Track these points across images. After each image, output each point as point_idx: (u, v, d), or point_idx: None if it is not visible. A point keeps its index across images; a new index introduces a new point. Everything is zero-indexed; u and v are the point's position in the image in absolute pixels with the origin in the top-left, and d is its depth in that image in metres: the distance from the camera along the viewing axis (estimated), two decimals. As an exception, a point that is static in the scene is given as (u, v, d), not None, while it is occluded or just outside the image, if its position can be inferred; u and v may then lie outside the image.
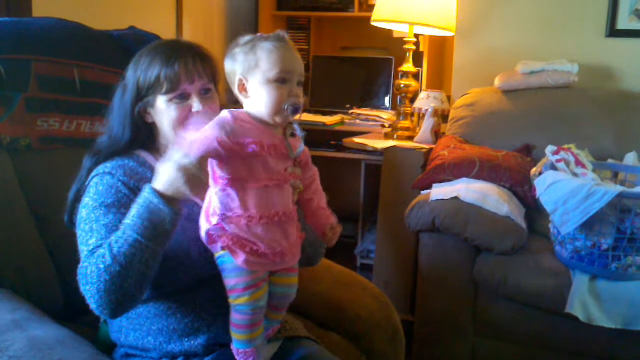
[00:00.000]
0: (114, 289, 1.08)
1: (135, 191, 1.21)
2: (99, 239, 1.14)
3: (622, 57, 2.88)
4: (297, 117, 1.13)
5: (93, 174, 1.24)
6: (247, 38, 1.14)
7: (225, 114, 1.11)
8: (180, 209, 1.09)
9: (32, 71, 1.55)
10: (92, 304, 1.10)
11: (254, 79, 1.11)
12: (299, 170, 1.19)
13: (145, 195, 1.08)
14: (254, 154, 1.09)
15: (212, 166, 1.10)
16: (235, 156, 1.09)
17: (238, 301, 1.12)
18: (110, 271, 1.07)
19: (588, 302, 1.87)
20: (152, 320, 1.22)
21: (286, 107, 1.10)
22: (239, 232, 1.10)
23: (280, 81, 1.10)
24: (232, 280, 1.12)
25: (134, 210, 1.09)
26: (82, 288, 1.11)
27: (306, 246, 1.28)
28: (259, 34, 1.14)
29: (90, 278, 1.08)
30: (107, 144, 1.28)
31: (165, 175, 1.06)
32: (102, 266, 1.07)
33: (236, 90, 1.15)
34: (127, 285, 1.08)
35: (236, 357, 1.16)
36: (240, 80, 1.13)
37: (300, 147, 1.16)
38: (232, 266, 1.11)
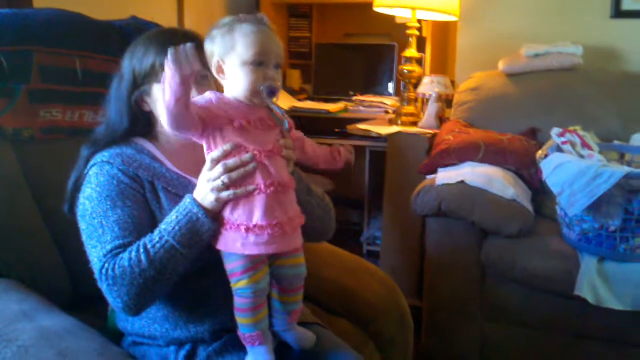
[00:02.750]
0: (145, 291, 1.11)
1: (135, 179, 1.21)
2: (114, 237, 1.14)
3: (627, 38, 2.86)
4: (274, 99, 1.13)
5: (91, 162, 1.24)
6: (226, 20, 1.14)
7: (208, 94, 1.12)
8: (218, 220, 1.11)
9: (34, 62, 1.55)
10: (118, 304, 1.12)
11: (231, 61, 1.12)
12: (290, 141, 1.19)
13: (187, 204, 1.11)
14: (242, 126, 1.10)
15: (205, 147, 1.13)
16: (224, 132, 1.10)
17: (238, 284, 1.12)
18: (145, 275, 1.09)
19: (596, 284, 1.86)
20: (157, 307, 1.23)
21: (262, 88, 1.10)
22: (235, 207, 1.10)
23: (256, 63, 1.10)
24: (230, 264, 1.13)
25: (173, 216, 1.12)
26: (106, 287, 1.12)
27: (315, 220, 1.29)
28: (239, 15, 1.14)
29: (121, 279, 1.10)
30: (104, 132, 1.28)
31: (200, 186, 1.11)
32: (137, 270, 1.09)
33: (214, 72, 1.15)
34: (157, 288, 1.13)
35: (243, 341, 1.16)
36: (218, 62, 1.13)
37: (285, 122, 1.15)
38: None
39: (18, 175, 1.50)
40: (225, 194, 1.09)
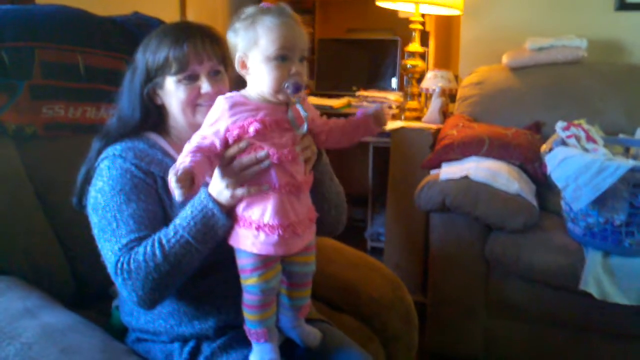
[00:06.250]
0: (160, 286, 1.11)
1: (148, 174, 1.20)
2: (129, 231, 1.14)
3: (632, 31, 2.84)
4: (300, 94, 1.10)
5: (102, 155, 1.24)
6: (249, 11, 1.11)
7: (221, 101, 1.09)
8: (233, 216, 1.10)
9: (36, 58, 1.54)
10: (133, 298, 1.12)
11: (254, 56, 1.09)
12: (309, 140, 1.16)
13: (202, 199, 1.10)
14: (256, 130, 1.07)
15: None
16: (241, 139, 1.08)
17: (248, 282, 1.12)
18: (160, 270, 1.09)
19: (602, 279, 1.85)
20: (163, 303, 1.22)
21: (286, 85, 1.08)
22: (249, 205, 1.09)
23: (280, 59, 1.07)
24: (241, 261, 1.12)
25: (188, 211, 1.11)
26: (121, 281, 1.11)
27: (331, 207, 1.28)
28: (262, 4, 1.11)
29: (136, 274, 1.10)
30: (116, 125, 1.28)
31: (215, 182, 1.10)
32: (151, 264, 1.09)
33: (237, 67, 1.12)
34: (172, 282, 1.12)
35: (248, 337, 1.15)
36: (241, 58, 1.11)
37: (304, 127, 1.12)
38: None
39: (20, 172, 1.50)
40: (240, 192, 1.08)
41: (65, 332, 1.13)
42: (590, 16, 2.88)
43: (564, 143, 2.06)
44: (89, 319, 1.21)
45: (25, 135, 1.53)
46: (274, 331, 1.17)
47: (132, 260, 1.10)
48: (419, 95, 3.08)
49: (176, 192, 0.96)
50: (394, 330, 1.61)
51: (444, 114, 2.88)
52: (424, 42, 3.13)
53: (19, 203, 1.47)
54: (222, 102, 1.09)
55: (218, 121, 1.08)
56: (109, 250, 1.14)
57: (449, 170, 2.21)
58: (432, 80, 2.98)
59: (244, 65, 1.11)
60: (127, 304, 1.29)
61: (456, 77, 3.07)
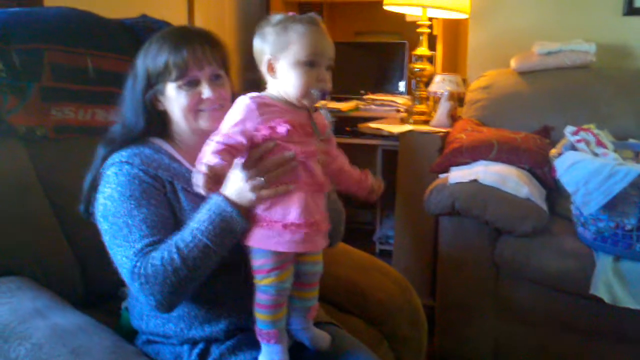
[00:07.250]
0: (179, 289, 1.11)
1: (156, 179, 1.20)
2: (143, 236, 1.13)
3: (641, 35, 2.83)
4: (323, 101, 1.13)
5: (108, 162, 1.23)
6: (279, 17, 1.13)
7: (246, 101, 1.10)
8: (250, 218, 1.11)
9: (45, 60, 1.55)
10: (151, 302, 1.11)
11: (284, 60, 1.11)
12: (325, 147, 1.18)
13: (219, 202, 1.10)
14: (288, 133, 1.09)
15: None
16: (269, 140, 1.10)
17: (263, 282, 1.12)
18: (179, 274, 1.09)
19: (612, 284, 1.84)
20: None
21: (313, 91, 1.11)
22: (272, 205, 1.09)
23: (310, 64, 1.10)
24: (258, 261, 1.12)
25: (205, 215, 1.11)
26: (138, 286, 1.11)
27: (332, 224, 1.27)
28: (290, 13, 1.13)
29: (154, 278, 1.09)
30: (120, 132, 1.27)
31: (234, 184, 1.10)
32: (169, 268, 1.09)
33: (264, 70, 1.14)
34: (189, 286, 1.12)
35: (258, 337, 1.15)
36: (269, 61, 1.12)
37: (328, 131, 1.16)
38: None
39: (31, 173, 1.50)
40: (266, 193, 1.08)
41: (75, 332, 1.13)
42: (599, 21, 2.87)
43: (573, 147, 2.05)
44: (98, 320, 1.21)
45: (36, 137, 1.53)
46: (284, 334, 1.17)
47: (149, 265, 1.10)
48: (427, 98, 3.08)
49: (200, 188, 1.00)
50: (402, 333, 1.61)
51: (452, 118, 2.87)
52: (432, 45, 3.13)
53: (29, 204, 1.47)
54: (247, 102, 1.10)
55: (244, 121, 1.08)
56: (123, 256, 1.13)
57: (458, 174, 2.21)
58: (440, 84, 2.98)
59: (271, 68, 1.13)
60: (136, 307, 1.29)
61: (464, 81, 3.07)
